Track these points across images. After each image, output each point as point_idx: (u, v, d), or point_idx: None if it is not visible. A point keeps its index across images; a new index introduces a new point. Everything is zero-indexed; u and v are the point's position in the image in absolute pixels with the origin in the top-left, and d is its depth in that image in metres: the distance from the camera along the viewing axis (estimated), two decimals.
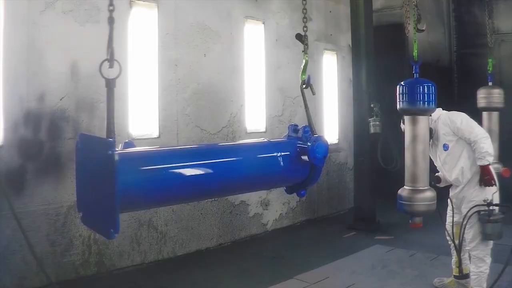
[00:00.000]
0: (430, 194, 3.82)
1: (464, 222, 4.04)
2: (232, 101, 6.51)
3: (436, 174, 4.37)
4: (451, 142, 4.19)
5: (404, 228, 5.69)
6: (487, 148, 4.01)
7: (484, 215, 3.90)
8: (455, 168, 4.19)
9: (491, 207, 3.90)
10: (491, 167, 4.08)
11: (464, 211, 4.12)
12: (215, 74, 6.29)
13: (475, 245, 4.08)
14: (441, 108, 4.35)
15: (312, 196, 7.67)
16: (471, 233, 4.06)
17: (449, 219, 4.40)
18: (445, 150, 4.24)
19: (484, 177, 4.03)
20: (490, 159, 4.05)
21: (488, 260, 4.09)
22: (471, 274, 4.16)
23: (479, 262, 4.07)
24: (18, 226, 3.63)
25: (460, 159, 4.16)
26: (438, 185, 4.28)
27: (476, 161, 4.07)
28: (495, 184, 4.07)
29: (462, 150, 4.15)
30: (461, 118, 4.18)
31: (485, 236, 3.94)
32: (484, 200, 3.93)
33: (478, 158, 4.04)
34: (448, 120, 4.20)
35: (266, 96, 7.06)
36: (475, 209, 3.98)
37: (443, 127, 4.23)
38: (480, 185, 4.07)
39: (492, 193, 4.03)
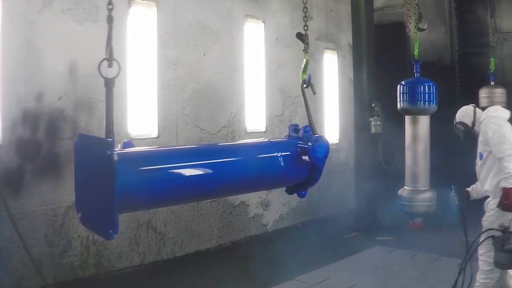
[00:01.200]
0: (430, 194, 3.82)
1: (479, 241, 3.67)
2: (232, 100, 6.51)
3: (467, 188, 4.08)
4: (485, 152, 3.83)
5: (405, 229, 5.69)
6: None
7: (498, 242, 3.43)
8: (486, 180, 3.83)
9: (506, 234, 3.41)
10: None
11: (483, 223, 3.80)
12: (215, 74, 6.29)
13: (483, 258, 3.77)
14: (495, 107, 3.99)
15: (312, 197, 7.66)
16: (483, 247, 3.74)
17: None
18: (480, 160, 3.91)
19: (504, 201, 3.57)
20: None
21: (497, 272, 3.78)
22: (476, 283, 3.87)
23: (483, 274, 3.80)
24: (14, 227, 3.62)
25: (491, 172, 3.78)
26: (469, 199, 4.03)
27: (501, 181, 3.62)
28: None
29: (494, 164, 3.75)
30: (494, 129, 3.71)
31: (497, 264, 3.53)
32: (500, 225, 3.44)
33: (503, 178, 3.58)
34: (484, 128, 3.81)
35: (266, 96, 7.06)
36: (490, 232, 3.49)
37: (480, 134, 3.87)
38: (497, 206, 3.64)
39: (510, 219, 3.47)
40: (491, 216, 3.75)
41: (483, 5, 7.59)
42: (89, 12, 4.96)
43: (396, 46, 8.68)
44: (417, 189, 3.74)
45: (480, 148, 3.90)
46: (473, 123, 3.97)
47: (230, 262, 5.72)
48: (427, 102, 3.92)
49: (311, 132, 2.42)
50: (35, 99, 4.62)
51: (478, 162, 3.95)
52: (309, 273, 5.18)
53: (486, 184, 3.86)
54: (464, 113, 4.02)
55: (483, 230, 3.70)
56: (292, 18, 7.27)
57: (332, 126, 8.31)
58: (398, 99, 3.99)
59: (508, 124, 3.78)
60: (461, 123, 4.01)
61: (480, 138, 3.88)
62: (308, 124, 2.50)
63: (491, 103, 5.77)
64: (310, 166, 2.37)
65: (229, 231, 6.43)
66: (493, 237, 3.45)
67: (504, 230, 3.39)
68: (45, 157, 4.70)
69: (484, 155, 3.85)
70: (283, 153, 2.33)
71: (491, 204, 3.80)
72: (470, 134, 3.99)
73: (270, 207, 7.03)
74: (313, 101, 6.65)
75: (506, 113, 3.92)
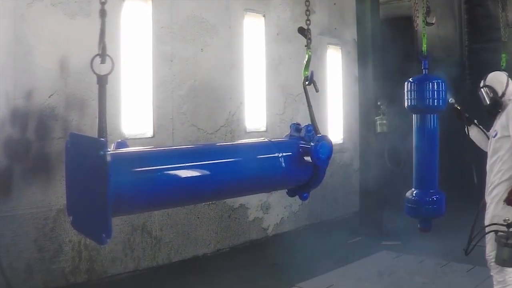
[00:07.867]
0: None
1: (485, 233, 3.58)
2: (230, 98, 6.51)
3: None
4: (502, 135, 3.69)
5: (412, 233, 5.71)
6: None
7: (501, 237, 3.33)
8: (497, 170, 3.69)
9: (511, 229, 3.31)
10: None
11: (486, 216, 3.73)
12: (213, 70, 6.29)
13: (493, 264, 3.62)
14: None
15: (315, 199, 7.67)
16: (488, 247, 3.71)
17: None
18: (493, 138, 3.77)
19: (510, 196, 3.54)
20: None
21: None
22: None
23: (499, 284, 3.69)
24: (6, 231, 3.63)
25: (505, 165, 3.66)
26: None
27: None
28: None
29: (510, 156, 3.63)
30: None
31: (499, 261, 3.39)
32: (504, 220, 3.33)
33: None
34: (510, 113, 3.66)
35: (267, 94, 7.06)
36: (494, 227, 3.42)
37: (504, 113, 3.71)
38: (504, 201, 3.58)
39: None
40: (495, 210, 3.67)
41: None
42: (81, 5, 4.97)
43: (403, 41, 8.69)
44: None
45: (496, 126, 3.76)
46: (503, 94, 3.78)
47: (229, 268, 5.72)
48: (436, 100, 3.93)
49: (313, 131, 2.43)
50: (24, 96, 4.62)
51: (492, 141, 3.80)
52: (311, 280, 5.19)
53: (495, 173, 3.73)
54: (498, 80, 3.83)
55: (487, 224, 3.64)
56: (294, 12, 7.27)
57: (335, 125, 8.31)
58: (406, 97, 4.00)
59: None
60: (491, 88, 3.81)
61: (502, 119, 3.71)
62: (310, 123, 2.51)
63: None
64: (313, 167, 2.38)
65: (228, 236, 6.43)
66: (496, 231, 3.37)
67: (508, 225, 3.29)
68: (35, 158, 4.70)
69: (498, 135, 3.71)
70: (284, 154, 2.34)
71: (496, 197, 3.69)
72: (496, 102, 3.79)
73: (271, 210, 7.03)
74: (316, 99, 6.64)
75: None
